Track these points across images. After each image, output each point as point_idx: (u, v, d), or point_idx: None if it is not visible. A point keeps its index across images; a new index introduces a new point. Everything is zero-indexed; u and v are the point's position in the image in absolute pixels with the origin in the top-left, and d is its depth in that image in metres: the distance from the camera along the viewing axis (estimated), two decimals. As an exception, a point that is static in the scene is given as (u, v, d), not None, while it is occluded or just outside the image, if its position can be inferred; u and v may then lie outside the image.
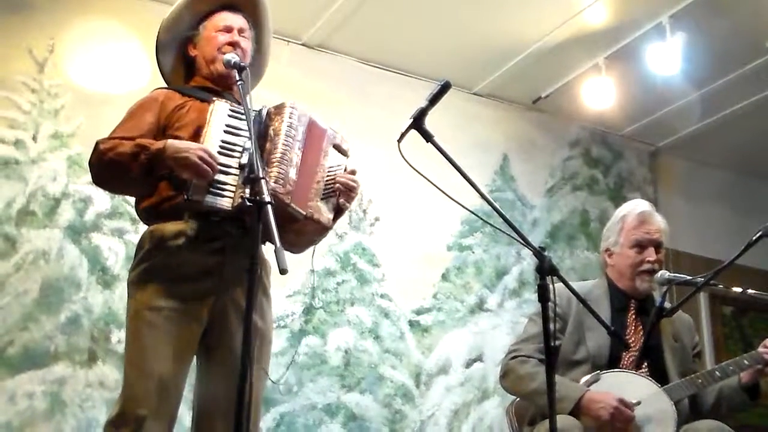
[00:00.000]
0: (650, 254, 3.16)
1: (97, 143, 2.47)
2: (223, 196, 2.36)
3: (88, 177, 3.86)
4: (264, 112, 2.54)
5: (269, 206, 2.05)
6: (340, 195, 2.59)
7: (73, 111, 4.06)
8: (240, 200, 2.32)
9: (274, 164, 2.40)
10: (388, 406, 4.45)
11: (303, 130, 2.53)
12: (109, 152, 2.41)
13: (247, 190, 2.15)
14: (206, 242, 2.42)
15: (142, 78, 4.13)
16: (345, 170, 2.66)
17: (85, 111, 4.06)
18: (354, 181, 2.63)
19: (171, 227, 2.43)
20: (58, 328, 3.74)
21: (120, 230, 4.02)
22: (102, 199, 4.00)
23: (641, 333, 3.11)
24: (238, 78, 2.46)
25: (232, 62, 2.52)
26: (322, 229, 2.58)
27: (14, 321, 3.66)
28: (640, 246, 3.18)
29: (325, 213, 2.56)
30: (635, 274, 3.16)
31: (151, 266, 2.42)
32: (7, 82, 3.97)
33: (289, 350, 4.24)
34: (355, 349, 4.45)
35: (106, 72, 4.20)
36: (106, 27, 4.25)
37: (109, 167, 2.43)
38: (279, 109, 2.53)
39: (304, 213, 2.47)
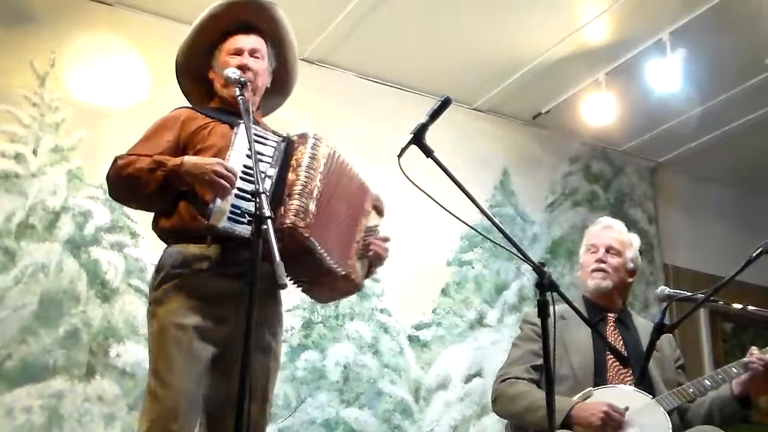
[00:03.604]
0: (599, 255, 3.26)
1: (115, 159, 2.51)
2: (242, 222, 2.36)
3: (88, 191, 3.93)
4: (288, 139, 2.56)
5: (270, 221, 2.05)
6: (373, 260, 2.66)
7: (74, 125, 4.06)
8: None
9: (295, 197, 2.42)
10: (387, 421, 4.43)
11: (326, 162, 2.54)
12: (127, 167, 2.45)
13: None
14: (228, 267, 2.43)
15: (143, 92, 4.15)
16: (379, 234, 2.74)
17: (85, 125, 4.06)
18: (387, 250, 2.70)
19: (194, 249, 2.44)
20: (57, 341, 3.73)
21: (119, 244, 4.01)
22: (102, 213, 4.00)
23: (622, 345, 3.16)
24: (237, 93, 2.47)
25: (233, 78, 2.53)
26: (354, 288, 2.65)
27: (13, 334, 3.65)
28: (594, 248, 3.30)
29: (359, 272, 2.61)
30: (587, 276, 3.23)
31: (177, 285, 2.42)
32: (8, 96, 3.97)
33: (288, 365, 4.23)
34: (354, 364, 4.44)
35: (107, 86, 4.20)
36: (108, 41, 4.26)
37: (126, 182, 2.46)
38: (302, 138, 2.55)
39: (344, 272, 2.52)
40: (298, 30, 4.54)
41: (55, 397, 3.66)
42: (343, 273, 2.53)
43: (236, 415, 1.93)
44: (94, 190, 3.93)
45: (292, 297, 4.26)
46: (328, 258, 2.48)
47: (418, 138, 2.23)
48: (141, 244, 4.00)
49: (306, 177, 2.46)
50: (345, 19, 4.44)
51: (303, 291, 2.65)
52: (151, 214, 2.61)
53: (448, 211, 2.25)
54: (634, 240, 3.37)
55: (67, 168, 3.99)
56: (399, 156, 2.20)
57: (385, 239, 2.75)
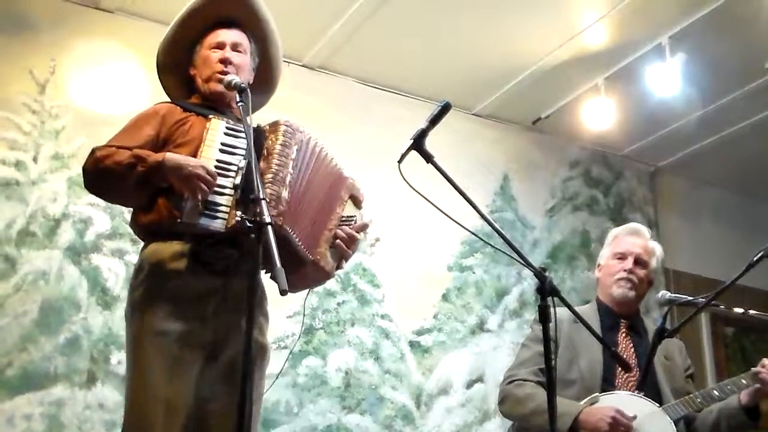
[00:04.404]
0: (628, 264, 3.22)
1: (93, 150, 2.44)
2: (216, 218, 2.32)
3: (89, 198, 3.93)
4: (259, 129, 2.51)
5: (270, 227, 2.01)
6: (341, 251, 2.60)
7: (74, 132, 4.06)
8: (234, 222, 2.29)
9: (267, 184, 2.37)
10: (388, 427, 4.42)
11: (299, 149, 2.50)
12: (105, 159, 2.39)
13: (239, 212, 2.16)
14: (207, 264, 2.39)
15: (143, 98, 4.13)
16: (357, 224, 2.68)
17: (85, 132, 4.06)
18: (355, 241, 2.63)
19: (170, 248, 2.39)
20: (58, 349, 3.73)
21: (120, 251, 4.01)
22: (102, 220, 4.00)
23: (632, 351, 3.14)
24: (238, 99, 2.41)
25: (233, 83, 2.48)
26: (324, 277, 2.61)
27: (13, 342, 3.65)
28: (622, 256, 3.26)
29: (330, 261, 2.57)
30: (612, 283, 3.20)
31: (154, 289, 2.37)
32: (8, 103, 3.97)
33: (289, 371, 4.22)
34: (355, 370, 4.43)
35: (107, 93, 4.21)
36: (107, 48, 4.27)
37: (104, 175, 2.40)
38: (274, 126, 2.51)
39: (312, 258, 2.48)
40: (299, 36, 4.56)
41: (55, 404, 3.65)
42: (312, 259, 2.48)
43: (238, 419, 1.91)
44: (94, 197, 3.91)
45: (292, 303, 4.26)
46: (302, 245, 2.45)
47: (418, 143, 2.23)
48: (141, 250, 3.99)
49: (277, 164, 2.41)
50: (344, 24, 4.44)
51: (271, 278, 2.48)
52: None
53: (448, 216, 2.25)
54: (657, 249, 3.33)
55: (68, 175, 3.99)
56: (399, 161, 2.20)
57: (361, 228, 2.69)
